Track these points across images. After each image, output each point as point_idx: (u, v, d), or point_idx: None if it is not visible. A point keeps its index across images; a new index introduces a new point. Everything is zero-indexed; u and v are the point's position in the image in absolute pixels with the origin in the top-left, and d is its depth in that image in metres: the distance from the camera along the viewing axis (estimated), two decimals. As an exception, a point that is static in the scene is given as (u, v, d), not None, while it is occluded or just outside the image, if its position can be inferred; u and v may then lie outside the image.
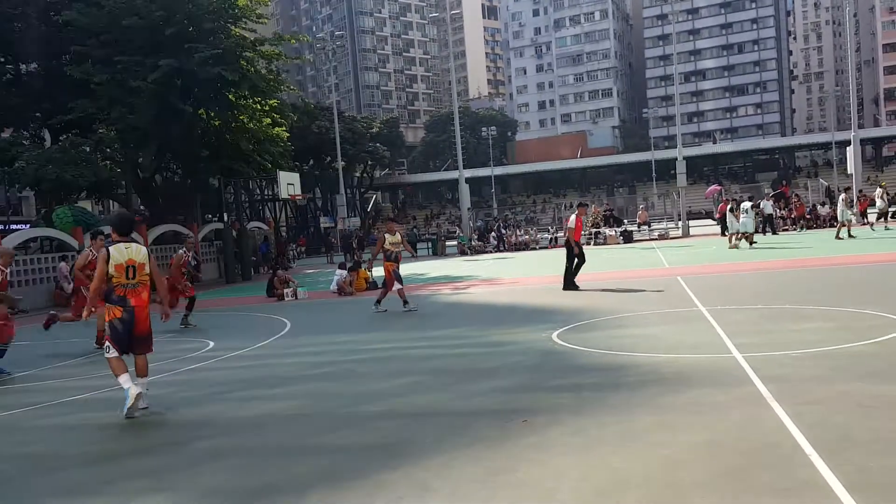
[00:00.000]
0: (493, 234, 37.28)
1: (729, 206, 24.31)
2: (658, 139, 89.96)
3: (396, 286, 12.93)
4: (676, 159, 37.85)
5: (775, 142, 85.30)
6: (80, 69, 26.84)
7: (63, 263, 21.97)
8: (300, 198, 42.54)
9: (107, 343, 6.33)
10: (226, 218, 30.59)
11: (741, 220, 22.84)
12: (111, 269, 6.13)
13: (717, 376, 6.08)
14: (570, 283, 14.08)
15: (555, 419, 5.19)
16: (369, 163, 70.38)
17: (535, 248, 35.00)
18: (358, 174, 71.26)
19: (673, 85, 58.93)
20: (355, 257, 27.20)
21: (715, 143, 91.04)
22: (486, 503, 3.79)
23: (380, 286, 18.72)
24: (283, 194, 38.54)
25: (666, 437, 4.59)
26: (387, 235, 13.32)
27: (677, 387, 5.85)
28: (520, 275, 20.13)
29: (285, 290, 17.69)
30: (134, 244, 6.39)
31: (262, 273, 30.19)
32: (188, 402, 6.96)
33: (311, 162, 61.19)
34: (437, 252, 36.57)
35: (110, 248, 6.22)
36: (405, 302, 12.82)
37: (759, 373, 6.02)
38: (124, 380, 6.18)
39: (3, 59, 29.92)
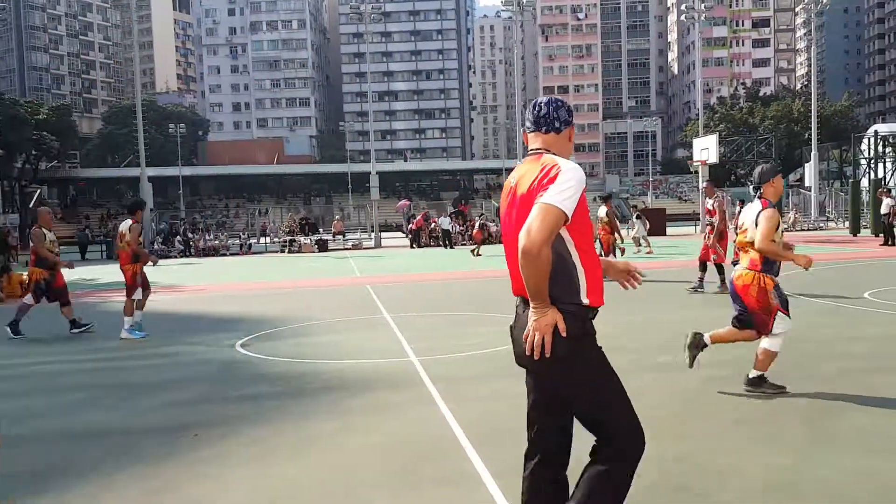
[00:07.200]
0: (178, 237, 35.06)
1: (636, 214, 26.47)
2: (354, 153, 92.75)
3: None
4: (370, 173, 39.51)
5: (457, 164, 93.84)
6: None
7: None
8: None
9: None
10: None
11: (636, 227, 25.41)
12: None
13: (395, 379, 6.42)
14: None
15: (231, 431, 5.02)
16: (34, 153, 61.75)
17: (225, 255, 33.73)
18: (19, 165, 62.08)
19: (368, 102, 61.38)
20: (11, 258, 23.47)
21: (406, 161, 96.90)
22: (149, 527, 3.50)
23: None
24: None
25: (343, 441, 4.71)
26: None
27: (358, 391, 6.04)
28: (206, 282, 19.21)
29: None
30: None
31: None
32: None
33: (-44, 146, 51.77)
34: (114, 256, 33.23)
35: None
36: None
37: (430, 374, 6.49)
38: None
39: None
